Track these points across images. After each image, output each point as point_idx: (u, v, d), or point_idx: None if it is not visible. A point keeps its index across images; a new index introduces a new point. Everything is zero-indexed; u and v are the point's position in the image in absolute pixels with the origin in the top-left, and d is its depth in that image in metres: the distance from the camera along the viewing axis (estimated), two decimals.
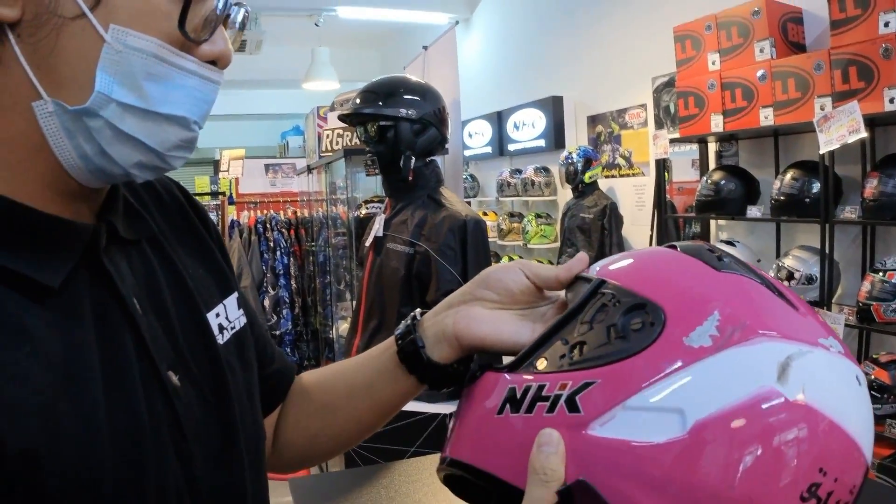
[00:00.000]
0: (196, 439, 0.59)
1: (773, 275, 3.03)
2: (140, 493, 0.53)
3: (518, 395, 0.54)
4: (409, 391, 0.73)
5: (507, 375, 0.57)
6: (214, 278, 0.72)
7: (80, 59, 0.51)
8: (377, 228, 2.36)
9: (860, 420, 0.53)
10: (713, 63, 3.28)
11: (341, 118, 2.60)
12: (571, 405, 0.51)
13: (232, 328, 0.72)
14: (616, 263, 0.61)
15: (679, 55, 3.49)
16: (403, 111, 2.24)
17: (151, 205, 0.70)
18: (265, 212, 6.18)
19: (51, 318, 0.51)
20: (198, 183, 7.12)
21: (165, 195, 0.73)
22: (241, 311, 0.75)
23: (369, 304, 2.32)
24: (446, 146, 2.50)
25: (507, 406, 0.55)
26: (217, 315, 0.69)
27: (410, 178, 2.27)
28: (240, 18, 0.61)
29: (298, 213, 6.28)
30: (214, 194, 6.10)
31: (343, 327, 3.95)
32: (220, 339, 0.68)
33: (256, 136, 11.66)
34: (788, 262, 2.98)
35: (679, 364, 0.50)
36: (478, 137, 6.19)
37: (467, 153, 6.20)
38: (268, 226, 5.97)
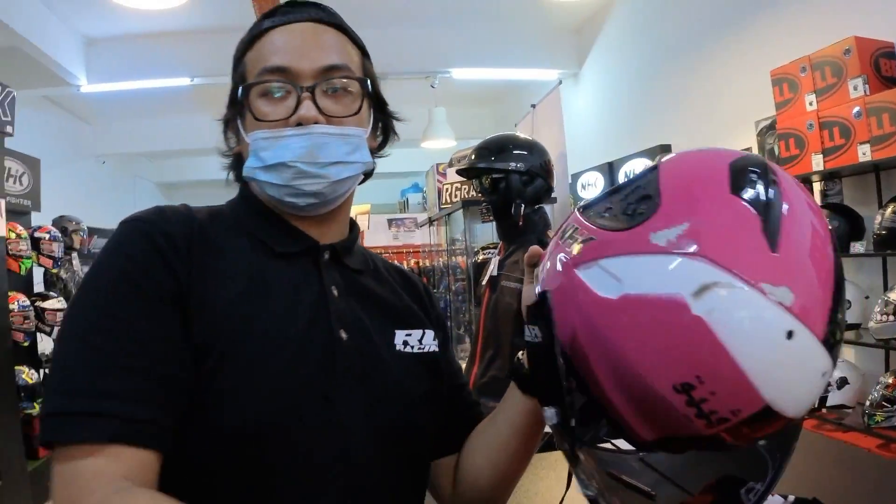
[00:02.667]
0: (342, 383, 0.90)
1: (879, 310, 3.06)
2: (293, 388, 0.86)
3: (565, 229, 0.76)
4: (529, 409, 0.97)
5: (577, 214, 0.77)
6: (414, 318, 1.08)
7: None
8: (492, 269, 2.63)
9: (764, 363, 0.62)
10: (810, 104, 3.40)
11: (459, 172, 2.93)
12: (578, 248, 0.70)
13: (420, 349, 1.04)
14: (677, 156, 0.76)
15: (777, 98, 3.63)
16: (513, 164, 2.54)
17: (398, 280, 1.14)
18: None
19: (280, 269, 0.94)
20: None
21: (418, 283, 1.18)
22: (436, 346, 1.07)
23: (486, 335, 2.58)
24: (553, 195, 2.76)
25: (559, 233, 0.77)
26: (408, 334, 1.03)
27: (521, 223, 2.55)
28: (322, 88, 0.95)
29: (420, 263, 6.64)
30: None
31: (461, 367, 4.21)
32: (400, 347, 1.02)
33: (378, 193, 12.23)
34: (893, 295, 3.03)
35: (635, 250, 0.65)
36: (591, 189, 6.34)
37: (580, 204, 6.35)
38: None
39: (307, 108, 0.92)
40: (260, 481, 0.82)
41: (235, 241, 0.94)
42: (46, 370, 5.14)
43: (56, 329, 5.31)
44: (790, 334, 0.61)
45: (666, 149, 5.22)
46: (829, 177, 3.58)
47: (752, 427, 0.64)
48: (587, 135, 6.60)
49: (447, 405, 1.08)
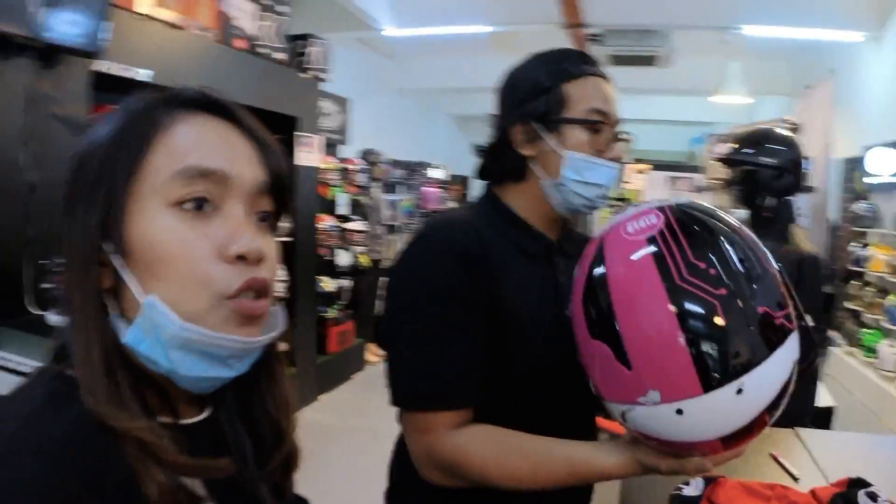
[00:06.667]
0: (572, 358, 1.14)
1: None
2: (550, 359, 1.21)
3: None
4: None
5: None
6: None
7: (556, 164, 1.22)
8: None
9: (681, 431, 0.85)
10: None
11: (717, 160, 3.14)
12: None
13: None
14: None
15: None
16: (764, 159, 2.74)
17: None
18: None
19: (531, 267, 1.23)
20: None
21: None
22: None
23: None
24: (806, 187, 2.90)
25: None
26: None
27: (765, 214, 2.75)
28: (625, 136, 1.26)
29: None
30: (620, 199, 6.81)
31: None
32: None
33: (664, 141, 12.12)
34: None
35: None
36: (883, 165, 5.44)
37: (868, 180, 5.51)
38: None
39: (618, 150, 1.24)
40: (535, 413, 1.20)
41: (502, 248, 1.20)
42: (342, 281, 6.17)
43: (353, 247, 6.34)
44: (678, 412, 0.83)
45: None
46: None
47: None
48: (890, 104, 5.79)
49: None
